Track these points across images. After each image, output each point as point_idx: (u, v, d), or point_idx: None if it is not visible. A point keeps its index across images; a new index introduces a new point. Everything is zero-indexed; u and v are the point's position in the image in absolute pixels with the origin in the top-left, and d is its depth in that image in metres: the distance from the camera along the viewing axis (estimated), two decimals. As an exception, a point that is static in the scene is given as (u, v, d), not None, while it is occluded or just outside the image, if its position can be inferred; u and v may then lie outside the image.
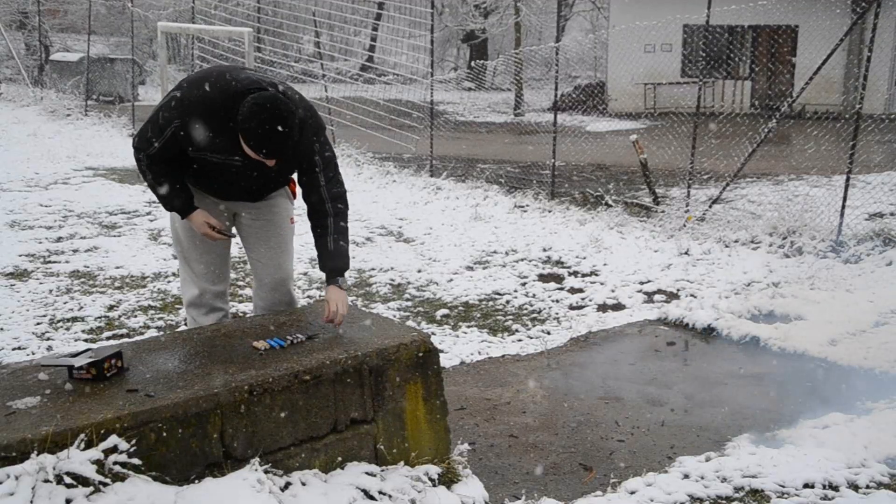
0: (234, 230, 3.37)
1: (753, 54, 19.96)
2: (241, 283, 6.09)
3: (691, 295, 5.87)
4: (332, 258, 3.06)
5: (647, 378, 4.33)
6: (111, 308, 5.54)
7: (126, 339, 4.75)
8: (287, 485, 2.42)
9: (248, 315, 4.10)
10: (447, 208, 9.23)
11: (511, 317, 5.50)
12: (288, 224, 3.45)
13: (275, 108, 2.80)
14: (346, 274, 3.14)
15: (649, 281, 6.27)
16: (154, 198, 3.36)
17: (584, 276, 6.49)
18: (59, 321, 5.22)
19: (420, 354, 2.81)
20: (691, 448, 3.48)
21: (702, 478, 3.15)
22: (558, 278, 6.45)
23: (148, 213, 8.77)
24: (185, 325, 3.60)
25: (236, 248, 3.53)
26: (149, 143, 3.05)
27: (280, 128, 2.78)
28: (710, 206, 8.04)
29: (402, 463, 2.74)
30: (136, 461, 2.16)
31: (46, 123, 16.99)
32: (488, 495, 2.86)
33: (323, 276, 3.15)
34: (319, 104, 13.79)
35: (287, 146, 2.85)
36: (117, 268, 6.57)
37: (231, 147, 2.96)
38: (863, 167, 8.49)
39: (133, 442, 2.17)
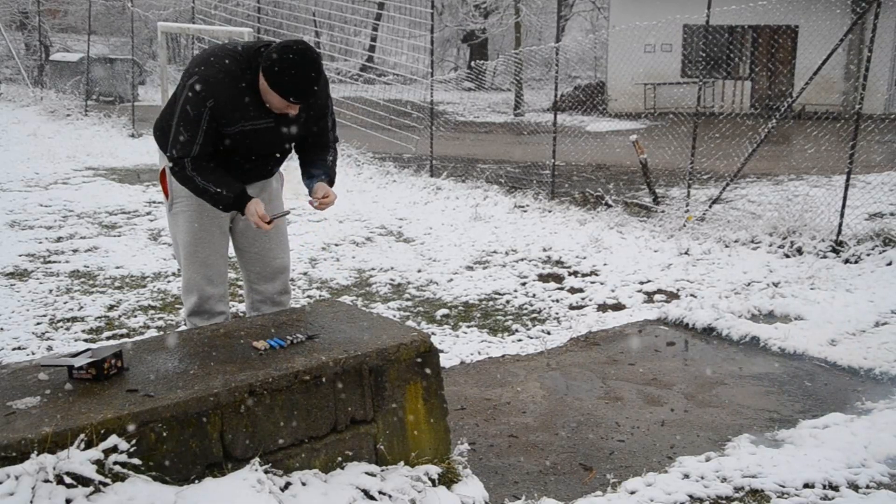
0: (286, 208, 3.41)
1: (753, 54, 19.96)
2: (240, 282, 6.08)
3: (691, 295, 5.87)
4: (329, 169, 3.31)
5: (647, 378, 4.33)
6: (111, 308, 5.54)
7: (126, 339, 4.75)
8: (287, 485, 2.42)
9: (247, 315, 4.10)
10: (447, 208, 9.23)
11: (511, 317, 5.50)
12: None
13: (305, 50, 2.90)
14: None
15: (649, 281, 6.27)
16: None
17: (584, 276, 6.49)
18: (59, 321, 5.22)
19: (420, 354, 2.81)
20: (691, 448, 3.48)
21: (702, 478, 3.15)
22: (558, 278, 6.45)
23: (148, 213, 8.77)
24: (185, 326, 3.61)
25: (231, 249, 3.54)
26: (190, 144, 3.01)
27: (311, 69, 2.89)
28: (710, 206, 8.04)
29: (402, 463, 2.74)
30: (136, 461, 2.16)
31: (46, 123, 17.00)
32: (488, 495, 2.86)
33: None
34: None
35: (316, 86, 2.95)
36: (117, 268, 6.57)
37: (259, 110, 3.04)
38: (863, 167, 8.49)
39: (133, 442, 2.17)
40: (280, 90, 2.92)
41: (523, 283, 6.29)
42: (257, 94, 3.01)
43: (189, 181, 3.09)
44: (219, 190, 3.08)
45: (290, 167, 3.60)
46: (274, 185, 3.51)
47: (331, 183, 3.32)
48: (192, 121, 2.98)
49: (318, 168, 3.32)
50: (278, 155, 3.36)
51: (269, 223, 3.13)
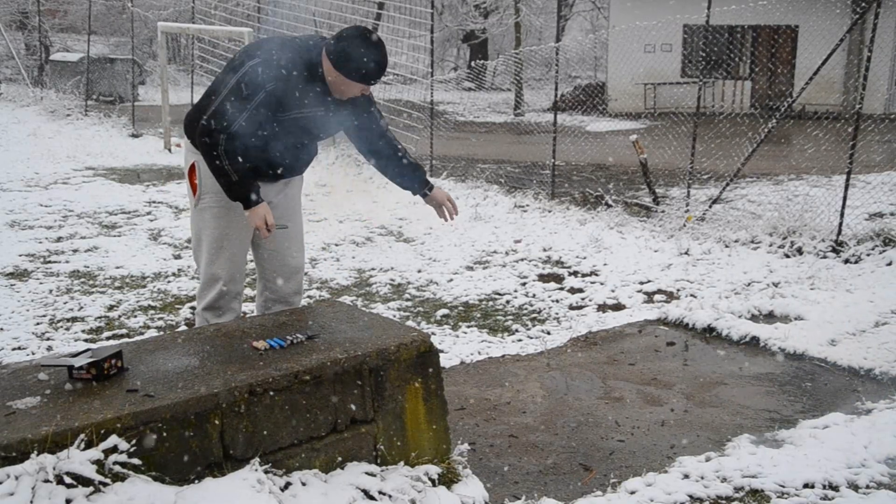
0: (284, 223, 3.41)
1: (753, 54, 19.96)
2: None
3: (691, 295, 5.87)
4: (421, 170, 3.55)
5: (647, 378, 4.33)
6: (111, 308, 5.54)
7: (126, 339, 4.75)
8: (287, 485, 2.42)
9: (248, 315, 4.11)
10: (447, 208, 9.22)
11: (511, 317, 5.50)
12: (302, 214, 3.59)
13: (371, 33, 3.05)
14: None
15: (649, 281, 6.27)
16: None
17: (584, 276, 6.49)
18: (59, 321, 5.22)
19: (420, 354, 2.81)
20: (691, 448, 3.48)
21: (702, 478, 3.15)
22: (558, 278, 6.45)
23: (148, 213, 8.76)
24: (185, 325, 3.62)
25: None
26: (233, 119, 3.01)
27: (381, 49, 3.04)
28: (710, 206, 8.04)
29: (402, 463, 2.74)
30: (136, 461, 2.16)
31: (46, 123, 16.99)
32: (488, 495, 2.86)
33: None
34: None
35: (387, 65, 3.10)
36: (117, 268, 6.58)
37: (316, 99, 3.13)
38: (863, 167, 8.49)
39: (133, 442, 2.17)
40: (357, 75, 3.03)
41: (523, 283, 6.29)
42: (315, 84, 3.09)
43: (215, 158, 3.07)
44: (237, 179, 3.09)
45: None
46: (296, 186, 3.53)
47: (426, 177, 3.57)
48: (243, 97, 3.01)
49: (409, 163, 3.50)
50: (318, 144, 3.42)
51: (268, 228, 3.17)
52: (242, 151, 3.09)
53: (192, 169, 3.33)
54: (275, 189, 3.40)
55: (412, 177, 3.52)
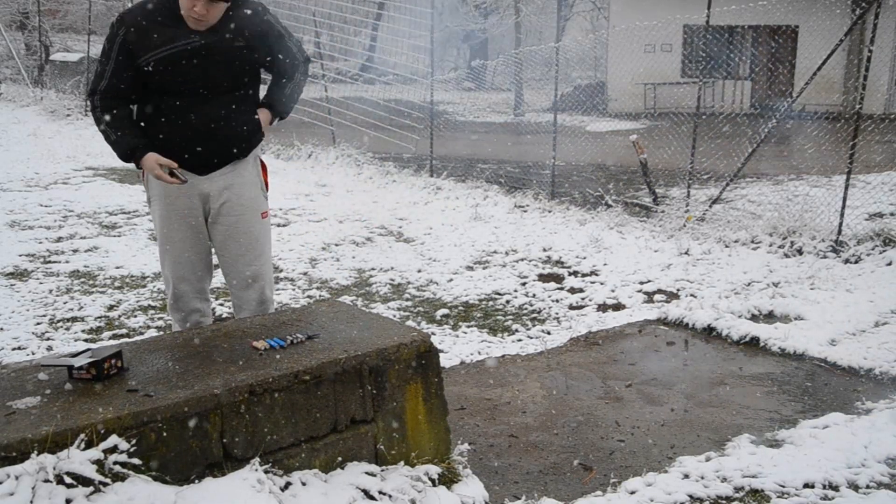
0: (185, 176, 3.17)
1: (753, 54, 19.95)
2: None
3: (691, 295, 5.87)
4: (284, 102, 3.34)
5: (647, 378, 4.33)
6: (111, 308, 5.54)
7: (126, 339, 4.75)
8: (287, 485, 2.42)
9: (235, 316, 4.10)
10: (447, 208, 9.23)
11: (511, 317, 5.50)
12: (259, 220, 3.39)
13: None
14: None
15: (649, 281, 6.27)
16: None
17: (584, 275, 6.49)
18: (59, 321, 5.22)
19: (420, 354, 2.81)
20: (691, 448, 3.48)
21: (702, 478, 3.15)
22: (558, 278, 6.45)
23: (148, 213, 8.76)
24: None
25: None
26: (101, 77, 3.08)
27: None
28: (710, 206, 8.04)
29: (402, 463, 2.74)
30: (136, 461, 2.16)
31: (46, 123, 16.99)
32: (488, 495, 2.86)
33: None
34: (319, 104, 13.80)
35: None
36: (117, 268, 6.58)
37: (180, 28, 3.03)
38: (863, 167, 8.49)
39: (133, 442, 2.17)
40: None
41: (523, 283, 6.29)
42: (176, 19, 3.04)
43: (98, 122, 3.11)
44: (119, 135, 3.07)
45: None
46: (246, 180, 3.33)
47: (282, 114, 3.35)
48: (105, 53, 3.08)
49: (279, 88, 3.33)
50: (245, 114, 3.22)
51: (171, 174, 3.05)
52: (122, 115, 3.09)
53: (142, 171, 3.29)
54: (217, 182, 3.27)
55: (274, 96, 3.33)
